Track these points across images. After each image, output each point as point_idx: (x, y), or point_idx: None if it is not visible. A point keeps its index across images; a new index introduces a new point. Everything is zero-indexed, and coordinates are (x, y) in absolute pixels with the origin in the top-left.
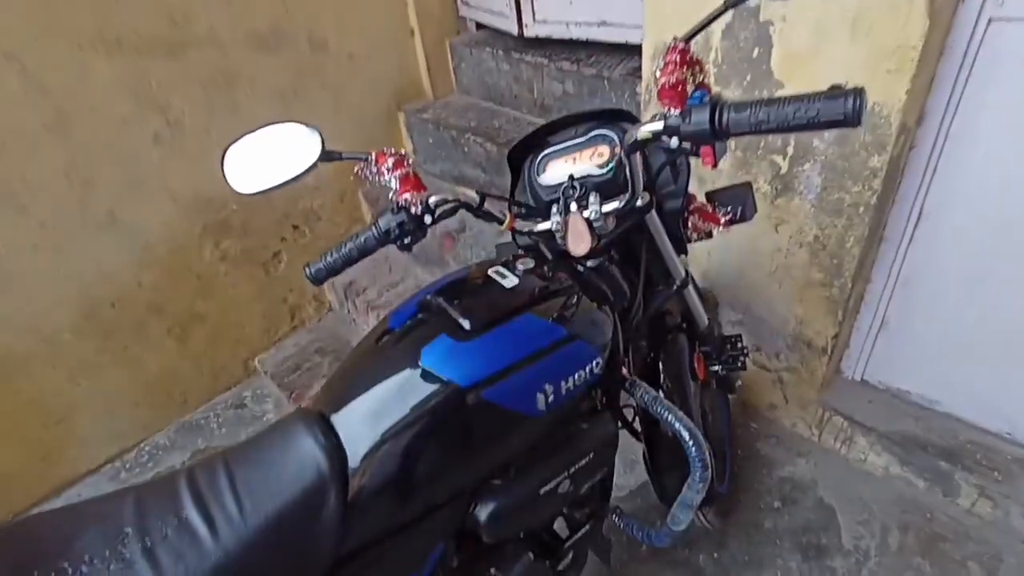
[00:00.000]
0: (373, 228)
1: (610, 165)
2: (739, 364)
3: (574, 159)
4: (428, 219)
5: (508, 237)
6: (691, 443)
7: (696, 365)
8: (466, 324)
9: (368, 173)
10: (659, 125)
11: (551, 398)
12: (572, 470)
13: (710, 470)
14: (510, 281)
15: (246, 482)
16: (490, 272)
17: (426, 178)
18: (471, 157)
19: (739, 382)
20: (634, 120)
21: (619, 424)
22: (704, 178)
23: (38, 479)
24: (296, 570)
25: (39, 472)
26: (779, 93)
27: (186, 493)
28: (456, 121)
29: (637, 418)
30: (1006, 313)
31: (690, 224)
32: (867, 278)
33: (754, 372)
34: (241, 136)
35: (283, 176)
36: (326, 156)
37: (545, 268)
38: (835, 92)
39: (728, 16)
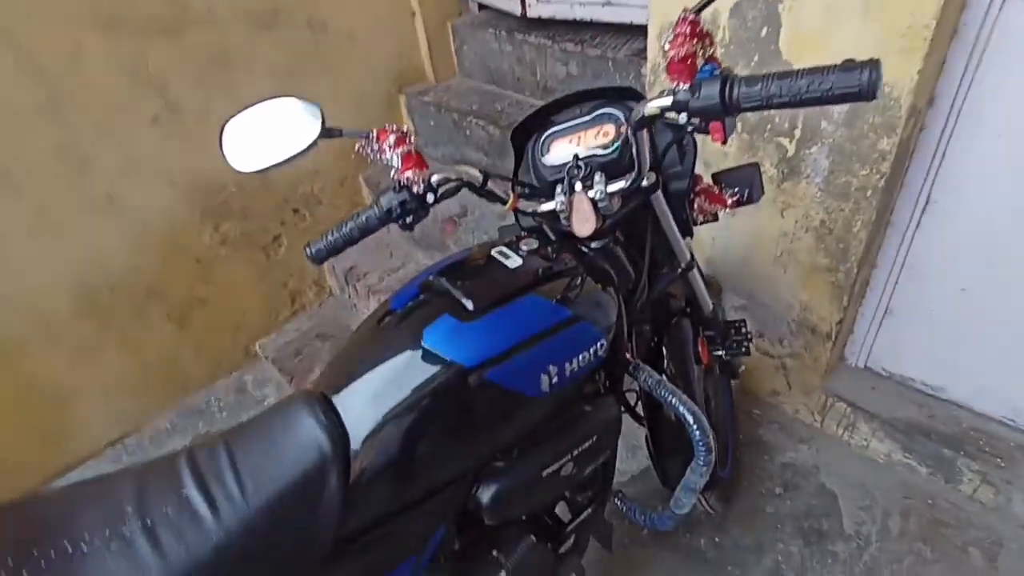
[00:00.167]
0: (374, 207)
1: (615, 144)
2: (743, 349)
3: (579, 138)
4: (430, 198)
5: (510, 220)
6: (695, 427)
7: (700, 350)
8: (469, 304)
9: (369, 151)
10: (667, 100)
11: (555, 380)
12: (575, 453)
13: (714, 454)
14: (514, 261)
15: (247, 462)
16: (493, 253)
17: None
18: (473, 140)
19: (742, 367)
20: (639, 98)
21: (622, 408)
22: (709, 161)
23: (39, 463)
24: (297, 551)
25: (39, 456)
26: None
27: (187, 473)
28: (458, 104)
29: (640, 402)
30: (1012, 301)
31: (696, 206)
32: (873, 263)
33: (757, 358)
34: (239, 112)
35: (283, 154)
36: (327, 133)
37: (549, 249)
38: (850, 64)
39: None
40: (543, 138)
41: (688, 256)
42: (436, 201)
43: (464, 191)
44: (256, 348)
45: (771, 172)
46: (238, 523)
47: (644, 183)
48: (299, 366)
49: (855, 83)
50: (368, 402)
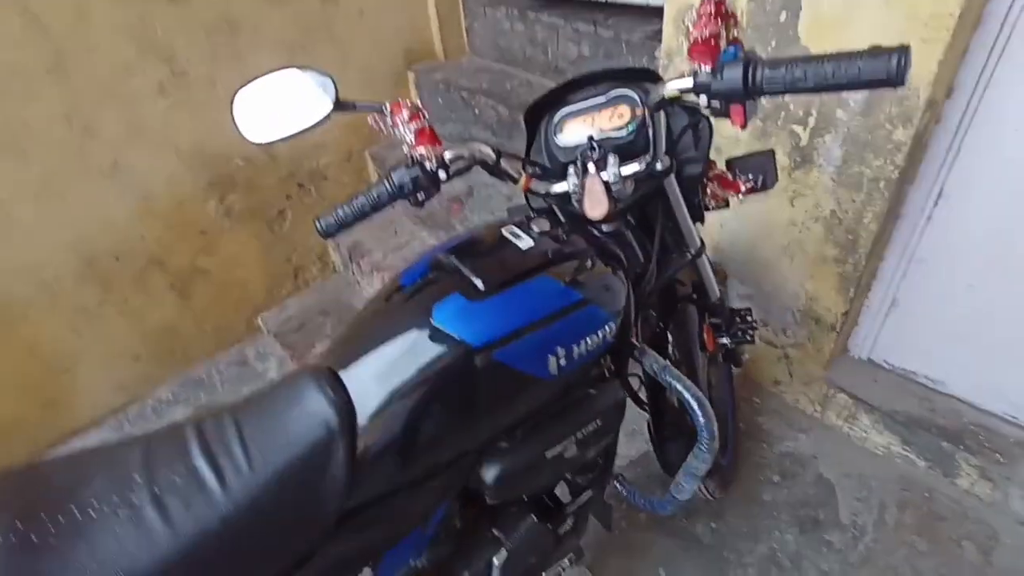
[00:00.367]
0: (386, 182)
1: (630, 127)
2: (748, 338)
3: (593, 119)
4: (443, 175)
5: (518, 201)
6: (699, 413)
7: (705, 336)
8: (480, 283)
9: (382, 125)
10: (688, 82)
11: (563, 362)
12: (579, 436)
13: (716, 440)
14: (525, 242)
15: (254, 435)
16: (504, 232)
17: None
18: (482, 119)
19: (746, 355)
20: (656, 80)
21: (624, 394)
22: (722, 147)
23: (40, 429)
24: (302, 523)
25: (41, 422)
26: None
27: (195, 443)
28: (467, 82)
29: (642, 387)
30: (1018, 298)
31: (709, 191)
32: (881, 256)
33: (760, 347)
34: (251, 80)
35: (295, 126)
36: (340, 106)
37: (560, 231)
38: (878, 50)
39: None
40: (557, 118)
41: (698, 242)
42: (448, 178)
43: (475, 170)
44: (258, 321)
45: (783, 160)
46: (245, 494)
47: (659, 166)
48: (301, 341)
49: (884, 69)
50: (375, 378)
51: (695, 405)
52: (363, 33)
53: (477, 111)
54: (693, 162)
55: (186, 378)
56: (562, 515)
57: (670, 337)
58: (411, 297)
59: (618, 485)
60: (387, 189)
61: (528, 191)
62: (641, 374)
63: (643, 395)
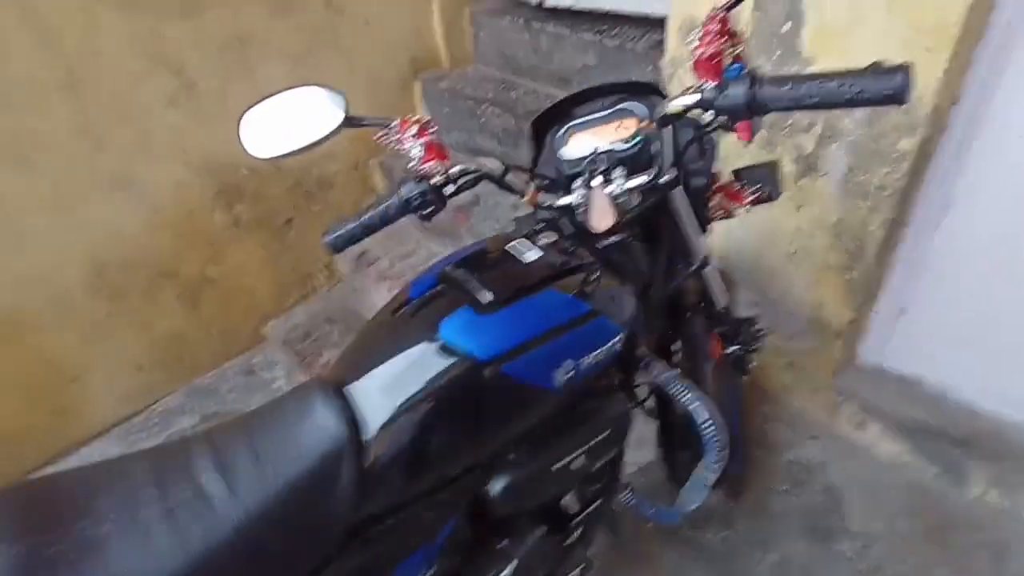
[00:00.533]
0: (394, 197)
1: (636, 139)
2: (755, 346)
3: (599, 132)
4: (450, 189)
5: (525, 211)
6: (709, 423)
7: (712, 345)
8: (487, 297)
9: (390, 140)
10: (694, 98)
11: (571, 374)
12: (586, 447)
13: (727, 451)
14: (532, 255)
15: (265, 448)
16: (511, 245)
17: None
18: (488, 128)
19: (753, 364)
20: (661, 93)
21: (632, 404)
22: (726, 157)
23: (50, 438)
24: (310, 537)
25: (51, 430)
26: (809, 70)
27: (205, 457)
28: (473, 91)
29: (651, 396)
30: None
31: (714, 202)
32: (887, 263)
33: (768, 355)
34: (260, 100)
35: (303, 141)
36: (349, 122)
37: (567, 243)
38: (881, 68)
39: None
40: (563, 130)
41: (704, 253)
42: (456, 192)
43: (481, 182)
44: (266, 330)
45: (789, 169)
46: (256, 507)
47: (664, 179)
48: (309, 349)
49: (887, 87)
50: (383, 392)
51: (704, 415)
52: (369, 43)
53: (483, 120)
54: (698, 174)
55: (193, 387)
56: (570, 526)
57: (677, 346)
58: (419, 310)
59: (626, 495)
60: (395, 203)
61: (535, 203)
62: (649, 384)
63: (651, 405)
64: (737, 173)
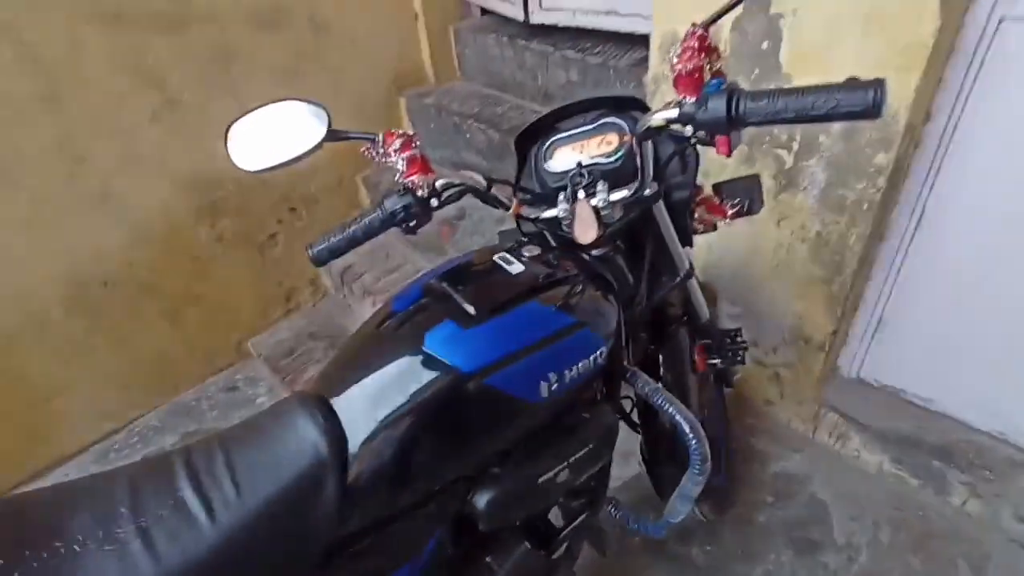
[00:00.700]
0: (379, 210)
1: (619, 153)
2: (738, 358)
3: (582, 146)
4: (434, 202)
5: (510, 225)
6: (692, 436)
7: (696, 358)
8: (471, 310)
9: (374, 153)
10: (674, 112)
11: (555, 386)
12: (571, 460)
13: (709, 463)
14: (516, 267)
15: (244, 463)
16: (495, 258)
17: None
18: (473, 144)
19: (737, 376)
20: (644, 107)
21: (617, 416)
22: (709, 171)
23: (25, 459)
24: (292, 554)
25: (26, 452)
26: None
27: (182, 474)
28: (458, 107)
29: (635, 409)
30: (1002, 315)
31: (696, 216)
32: (867, 276)
33: (751, 367)
34: (245, 113)
35: (288, 154)
36: (332, 135)
37: (551, 256)
38: (856, 83)
39: (739, 7)
40: (547, 145)
41: (687, 265)
42: (440, 206)
43: (466, 195)
44: (249, 346)
45: (769, 183)
46: (234, 526)
47: (647, 192)
48: (292, 365)
49: (861, 102)
50: (367, 405)
51: (687, 428)
52: (355, 59)
53: (468, 135)
54: (681, 187)
55: (175, 405)
56: (556, 540)
57: (661, 359)
58: (403, 323)
59: (611, 509)
60: (379, 216)
61: (519, 217)
62: (633, 397)
63: (636, 418)
64: (718, 187)
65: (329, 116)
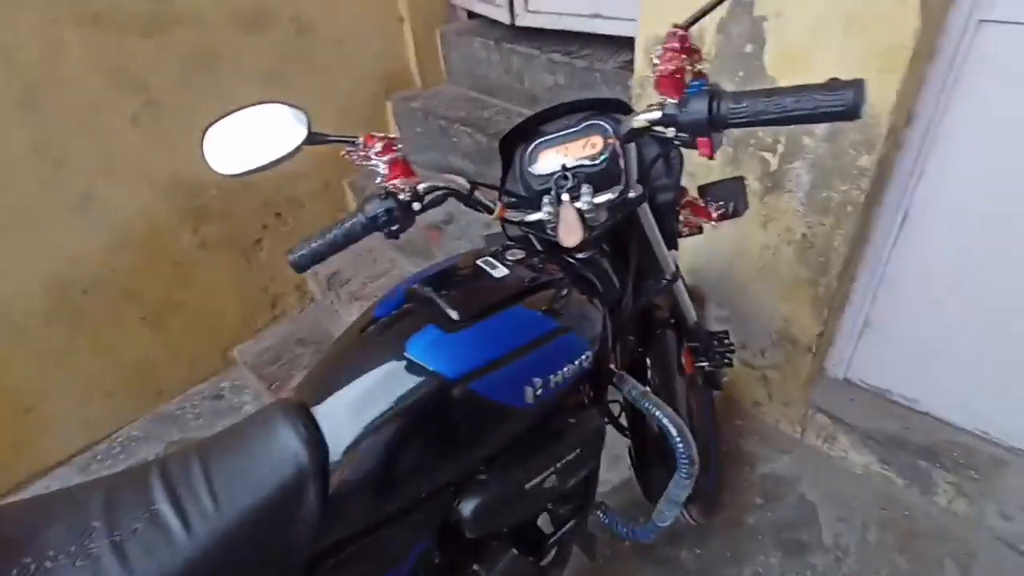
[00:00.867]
0: (360, 214)
1: (603, 156)
2: (726, 361)
3: (566, 149)
4: (417, 206)
5: (496, 229)
6: (679, 439)
7: (683, 360)
8: (454, 315)
9: (356, 157)
10: (656, 114)
11: (540, 391)
12: (558, 465)
13: (696, 466)
14: (500, 271)
15: (222, 474)
16: (479, 262)
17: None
18: (459, 147)
19: (725, 378)
20: (627, 110)
21: (606, 419)
22: (694, 173)
23: (6, 469)
24: (273, 566)
25: (5, 463)
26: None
27: (158, 485)
28: (445, 111)
29: (623, 413)
30: (985, 316)
31: (682, 218)
32: (852, 277)
33: (739, 369)
34: (224, 115)
35: (266, 157)
36: (312, 138)
37: (535, 259)
38: (835, 84)
39: (722, 10)
40: (531, 148)
41: (673, 268)
42: (422, 209)
43: (450, 199)
44: (234, 353)
45: (754, 186)
46: (211, 538)
47: (631, 195)
48: (278, 372)
49: (840, 102)
50: (349, 412)
51: (674, 431)
52: (341, 62)
53: (455, 139)
54: (665, 190)
55: (158, 414)
56: (544, 546)
57: (648, 362)
58: (386, 329)
59: (600, 514)
60: (361, 221)
61: (504, 220)
62: (622, 400)
63: (624, 421)
64: (703, 189)
65: (309, 119)
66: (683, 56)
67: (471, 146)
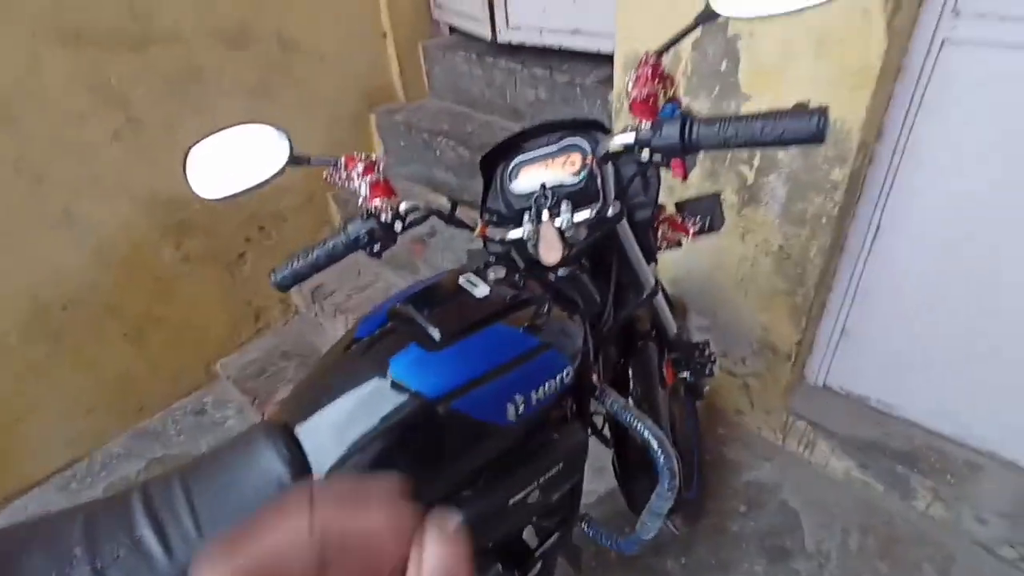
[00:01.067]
0: (342, 234)
1: (582, 174)
2: (707, 371)
3: (546, 167)
4: (398, 226)
5: (479, 243)
6: (659, 452)
7: (665, 372)
8: (436, 334)
9: (338, 178)
10: (630, 137)
11: (522, 408)
12: (542, 480)
13: (678, 479)
14: (481, 290)
15: (204, 499)
16: (460, 280)
17: (397, 181)
18: (443, 160)
19: (707, 388)
20: (606, 131)
21: (589, 432)
22: (673, 188)
23: None
24: None
25: None
26: (747, 105)
27: (140, 511)
28: (428, 124)
29: (607, 425)
30: (957, 323)
31: (660, 234)
32: (829, 287)
33: (721, 377)
34: (205, 136)
35: (248, 181)
36: (294, 160)
37: (516, 276)
38: (801, 111)
39: (697, 29)
40: (512, 166)
41: (653, 282)
42: (404, 229)
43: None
44: (217, 367)
45: (732, 199)
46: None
47: (609, 213)
48: (262, 386)
49: (806, 129)
50: (332, 433)
51: (655, 444)
52: (324, 77)
53: (438, 152)
54: (643, 207)
55: (140, 430)
56: (530, 560)
57: (631, 374)
58: (368, 349)
59: (584, 526)
60: (342, 241)
61: (485, 237)
62: (605, 412)
63: (607, 432)
64: (681, 205)
65: (291, 141)
66: (655, 82)
67: (454, 159)
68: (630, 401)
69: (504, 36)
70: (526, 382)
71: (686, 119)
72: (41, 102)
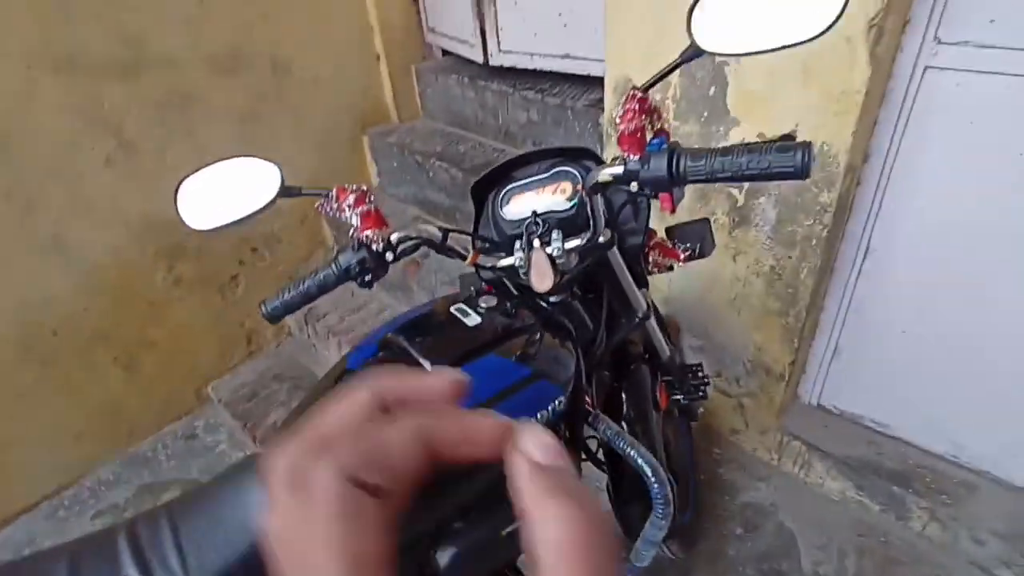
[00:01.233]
0: (333, 265)
1: (573, 201)
2: (700, 393)
3: (537, 194)
4: (390, 256)
5: (470, 268)
6: (653, 479)
7: (659, 395)
8: (427, 365)
9: (329, 209)
10: (619, 170)
11: None
12: None
13: (672, 506)
14: (472, 319)
15: (191, 536)
16: (452, 309)
17: (390, 202)
18: (436, 182)
19: (701, 410)
20: (597, 158)
21: (582, 457)
22: (663, 214)
23: None
24: None
25: None
26: (735, 130)
27: (125, 550)
28: (421, 146)
29: (600, 449)
30: (949, 343)
31: (650, 259)
32: (820, 307)
33: (715, 397)
34: (196, 170)
35: (240, 212)
36: (285, 192)
37: (508, 305)
38: (786, 145)
39: (676, 71)
40: (503, 193)
41: (644, 306)
42: (396, 259)
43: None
44: (209, 391)
45: (723, 220)
46: None
47: (600, 240)
48: (255, 410)
49: (790, 164)
50: None
51: (648, 471)
52: (317, 100)
53: (431, 174)
54: (634, 234)
55: (129, 456)
56: None
57: (624, 397)
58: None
59: None
60: (334, 271)
61: (477, 265)
62: (598, 436)
63: (601, 456)
64: (671, 231)
65: (282, 173)
66: (642, 116)
67: (447, 180)
68: (624, 425)
69: (496, 60)
70: (519, 412)
71: (673, 152)
72: (34, 129)
